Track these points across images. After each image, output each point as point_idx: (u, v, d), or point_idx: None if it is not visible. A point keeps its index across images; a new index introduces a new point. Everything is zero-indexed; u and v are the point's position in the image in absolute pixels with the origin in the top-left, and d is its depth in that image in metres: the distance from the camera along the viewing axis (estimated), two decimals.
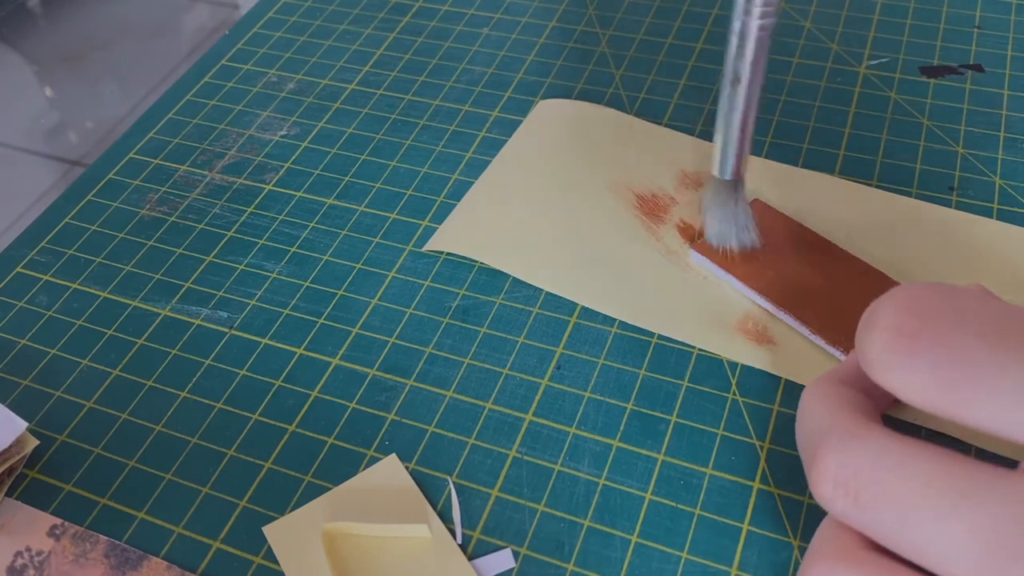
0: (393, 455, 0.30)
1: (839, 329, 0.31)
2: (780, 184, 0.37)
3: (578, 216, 0.36)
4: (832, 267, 0.33)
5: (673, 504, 0.28)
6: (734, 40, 0.30)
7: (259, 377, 0.32)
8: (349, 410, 0.31)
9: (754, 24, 0.29)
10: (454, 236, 0.36)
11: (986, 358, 0.20)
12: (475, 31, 0.46)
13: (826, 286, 0.32)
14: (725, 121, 0.31)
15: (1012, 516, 0.19)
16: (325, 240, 0.37)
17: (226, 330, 0.34)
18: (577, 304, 0.33)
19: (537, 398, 0.31)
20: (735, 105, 0.31)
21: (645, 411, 0.30)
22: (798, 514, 0.27)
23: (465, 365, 0.32)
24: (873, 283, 0.32)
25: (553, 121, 0.40)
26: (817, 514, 0.27)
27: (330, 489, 0.29)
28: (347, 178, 0.39)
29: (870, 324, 0.21)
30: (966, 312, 0.21)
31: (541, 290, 0.34)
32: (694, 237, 0.35)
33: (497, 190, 0.37)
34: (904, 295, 0.21)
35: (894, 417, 0.29)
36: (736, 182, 0.33)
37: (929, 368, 0.20)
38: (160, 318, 0.34)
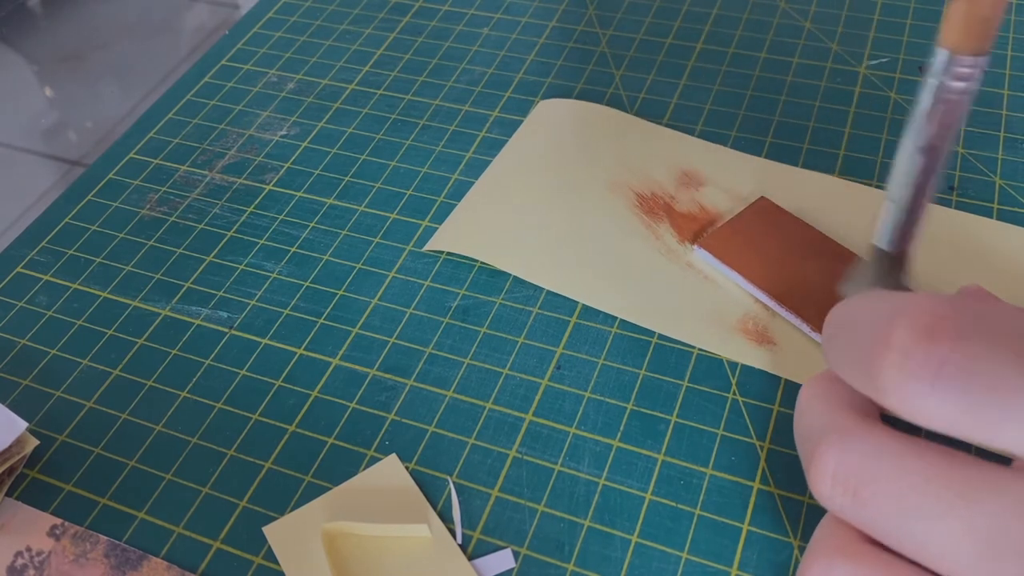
0: (393, 455, 0.30)
1: None
2: (780, 184, 0.37)
3: (578, 215, 0.36)
4: (834, 264, 0.33)
5: (673, 504, 0.28)
6: (927, 102, 0.25)
7: (259, 377, 0.32)
8: (349, 410, 0.31)
9: (955, 87, 0.25)
10: (454, 236, 0.36)
11: (1019, 382, 0.19)
12: (475, 31, 0.46)
13: (827, 283, 0.32)
14: (903, 185, 0.27)
15: (1010, 515, 0.19)
16: (325, 240, 0.37)
17: (226, 330, 0.34)
18: (577, 304, 0.33)
19: (537, 398, 0.31)
20: (920, 173, 0.27)
21: (645, 411, 0.30)
22: (798, 514, 0.27)
23: (465, 365, 0.32)
24: None
25: (553, 121, 0.40)
26: (817, 514, 0.27)
27: (330, 489, 0.29)
28: (347, 178, 0.39)
29: (882, 345, 0.20)
30: (992, 331, 0.19)
31: (541, 290, 0.34)
32: (695, 236, 0.35)
33: (497, 190, 0.37)
34: (919, 312, 0.20)
35: (891, 416, 0.29)
36: (899, 257, 0.29)
37: (956, 394, 0.19)
38: (160, 318, 0.34)
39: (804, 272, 0.33)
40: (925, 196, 0.27)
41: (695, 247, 0.34)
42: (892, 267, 0.29)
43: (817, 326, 0.31)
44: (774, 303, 0.32)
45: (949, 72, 0.25)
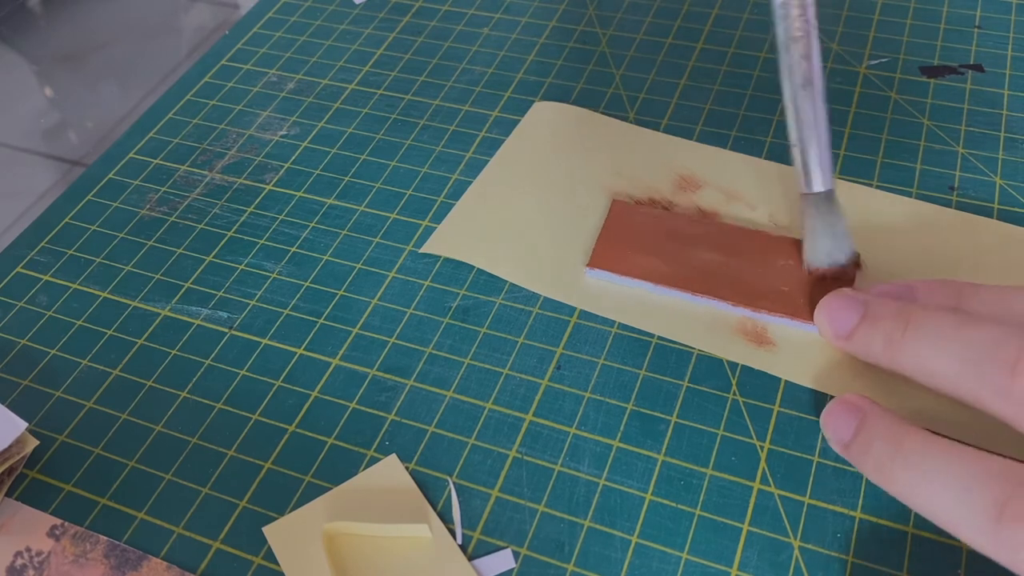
0: (393, 455, 0.30)
1: (755, 293, 0.32)
2: (780, 185, 0.37)
3: (575, 220, 0.36)
4: (722, 240, 0.34)
5: (673, 504, 0.28)
6: (795, 43, 0.30)
7: (259, 377, 0.32)
8: (349, 410, 0.31)
9: (812, 15, 0.29)
10: (450, 241, 0.36)
11: None
12: (475, 31, 0.46)
13: (726, 259, 0.33)
14: (806, 128, 0.31)
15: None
16: (325, 240, 0.37)
17: (226, 330, 0.34)
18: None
19: (537, 398, 0.31)
20: (814, 108, 0.30)
21: (645, 411, 0.30)
22: (798, 514, 0.27)
23: (465, 365, 0.32)
24: (766, 243, 0.33)
25: (549, 124, 0.40)
26: (817, 514, 0.27)
27: (330, 489, 0.29)
28: (347, 178, 0.39)
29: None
30: None
31: None
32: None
33: (493, 193, 0.37)
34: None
35: None
36: (830, 193, 0.32)
37: None
38: (160, 318, 0.34)
39: (698, 256, 0.33)
40: (824, 126, 0.31)
41: (586, 270, 0.34)
42: (826, 209, 0.32)
43: (736, 301, 0.32)
44: (688, 295, 0.32)
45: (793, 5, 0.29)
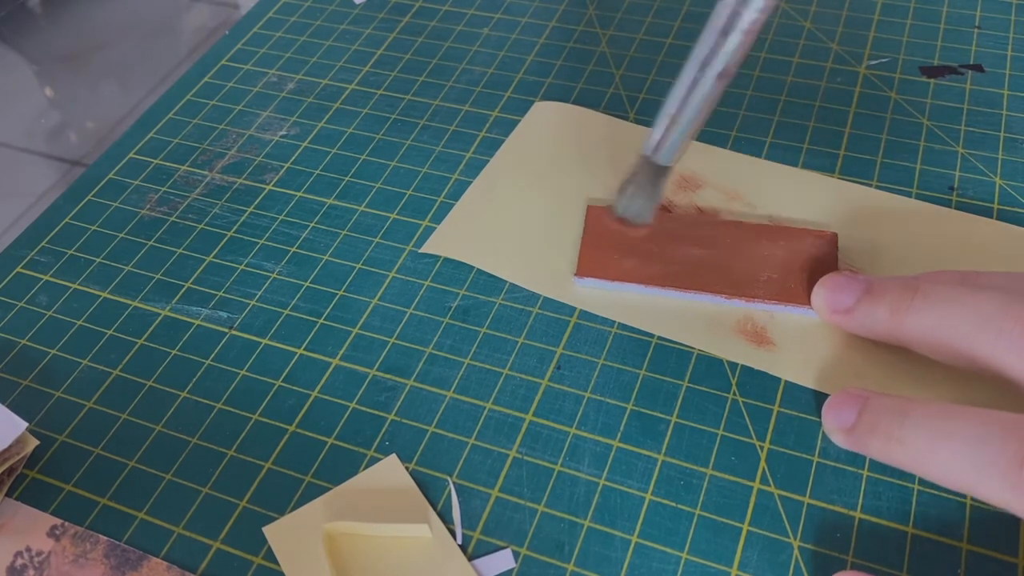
0: (393, 455, 0.30)
1: (746, 283, 0.32)
2: (779, 184, 0.37)
3: (575, 220, 0.36)
4: (704, 234, 0.34)
5: (673, 504, 0.28)
6: (719, 24, 0.28)
7: (259, 377, 0.32)
8: (349, 410, 0.31)
9: (750, 14, 0.27)
10: (449, 241, 0.36)
11: None
12: (475, 31, 0.46)
13: (711, 253, 0.33)
14: (683, 105, 0.30)
15: None
16: (325, 240, 0.37)
17: (226, 330, 0.34)
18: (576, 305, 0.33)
19: (537, 398, 0.31)
20: (702, 93, 0.29)
21: (645, 411, 0.30)
22: (798, 514, 0.27)
23: (465, 365, 0.32)
24: (747, 233, 0.33)
25: (549, 124, 0.40)
26: (817, 514, 0.27)
27: (330, 489, 0.29)
28: (347, 178, 0.39)
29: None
30: None
31: None
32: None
33: (493, 194, 0.37)
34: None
35: None
36: (667, 169, 0.32)
37: None
38: (160, 318, 0.34)
39: (685, 254, 0.33)
40: (703, 118, 0.30)
41: (575, 279, 0.33)
42: (657, 178, 0.33)
43: (730, 293, 0.32)
44: (680, 293, 0.32)
45: (753, 5, 0.27)
